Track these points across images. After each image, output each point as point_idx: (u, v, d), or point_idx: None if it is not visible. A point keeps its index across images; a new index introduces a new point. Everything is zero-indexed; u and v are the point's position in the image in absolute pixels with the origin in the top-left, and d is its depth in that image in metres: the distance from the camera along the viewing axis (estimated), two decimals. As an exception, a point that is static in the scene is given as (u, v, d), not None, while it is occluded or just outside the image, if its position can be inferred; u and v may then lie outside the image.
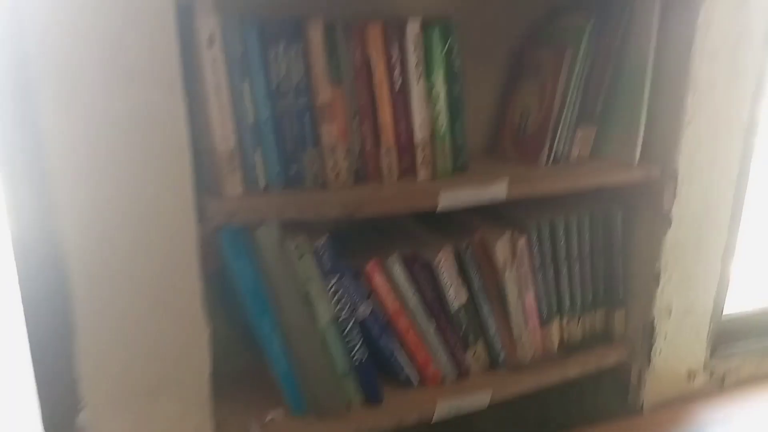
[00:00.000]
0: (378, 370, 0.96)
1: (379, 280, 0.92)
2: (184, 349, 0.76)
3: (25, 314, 0.71)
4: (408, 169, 0.94)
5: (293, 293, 0.83)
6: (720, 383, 1.21)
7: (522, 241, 1.01)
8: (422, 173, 0.94)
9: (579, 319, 1.11)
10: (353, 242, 1.00)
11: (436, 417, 0.96)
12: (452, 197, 0.86)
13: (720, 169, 1.04)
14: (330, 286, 0.86)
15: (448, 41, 0.90)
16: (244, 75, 0.80)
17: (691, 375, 1.17)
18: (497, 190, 0.89)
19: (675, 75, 0.97)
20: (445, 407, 0.97)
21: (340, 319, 0.88)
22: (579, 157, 1.03)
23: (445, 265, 0.94)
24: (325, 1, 0.91)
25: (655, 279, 1.06)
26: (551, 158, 1.02)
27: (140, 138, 0.67)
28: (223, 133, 0.78)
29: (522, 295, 1.03)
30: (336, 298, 0.87)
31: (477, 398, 0.99)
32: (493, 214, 1.06)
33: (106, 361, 0.73)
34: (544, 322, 1.08)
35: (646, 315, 1.09)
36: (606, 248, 1.08)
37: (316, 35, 0.83)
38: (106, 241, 0.69)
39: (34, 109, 0.62)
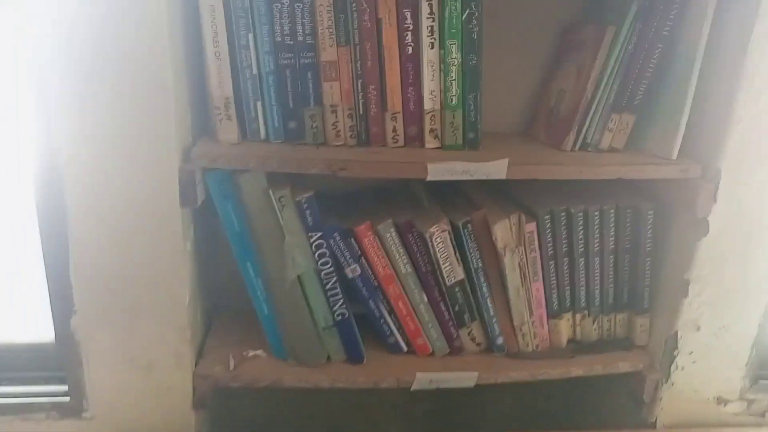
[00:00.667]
0: (367, 331, 0.98)
1: (369, 243, 0.93)
2: (163, 276, 0.83)
3: (39, 223, 0.82)
4: (415, 138, 0.93)
5: (275, 242, 0.87)
6: (761, 416, 1.08)
7: (531, 227, 0.96)
8: (430, 143, 0.93)
9: (596, 319, 1.04)
10: (355, 204, 1.01)
11: (414, 386, 0.97)
12: (442, 170, 0.84)
13: (781, 177, 0.90)
14: (312, 241, 0.89)
15: (469, 8, 0.86)
16: (248, 26, 0.83)
17: (721, 401, 1.05)
18: (494, 169, 0.85)
19: (727, 67, 0.85)
20: (424, 379, 0.97)
21: (323, 274, 0.91)
22: (611, 146, 0.95)
23: (439, 238, 0.93)
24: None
25: (684, 289, 0.96)
26: (578, 144, 0.95)
27: (126, 76, 0.73)
28: (218, 81, 0.82)
29: (527, 283, 0.98)
30: (318, 253, 0.89)
31: (461, 377, 0.98)
32: (510, 197, 1.02)
33: (94, 275, 0.82)
34: (553, 315, 1.02)
35: (670, 326, 0.99)
36: (633, 247, 1.00)
37: (324, -7, 0.83)
38: (96, 168, 0.77)
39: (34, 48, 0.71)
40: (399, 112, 0.91)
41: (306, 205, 0.87)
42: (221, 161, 0.80)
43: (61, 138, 0.75)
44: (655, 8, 0.88)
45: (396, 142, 0.92)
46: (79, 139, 0.76)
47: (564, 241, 0.98)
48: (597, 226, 0.98)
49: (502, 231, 0.94)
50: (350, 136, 0.91)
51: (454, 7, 0.86)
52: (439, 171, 0.84)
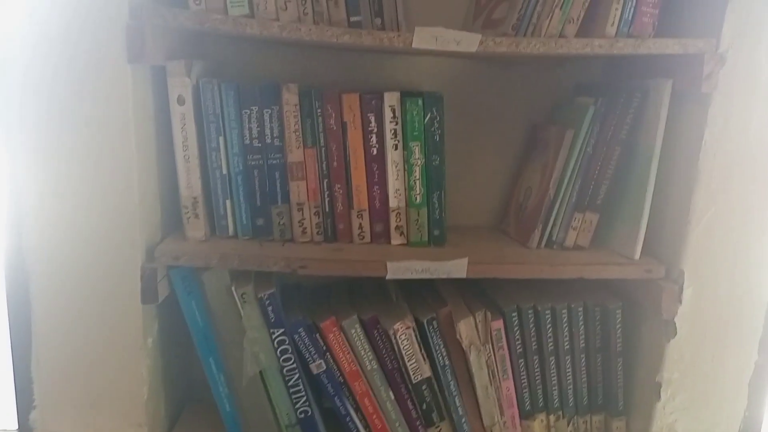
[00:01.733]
0: (335, 428, 0.96)
1: (335, 339, 0.92)
2: (122, 371, 0.83)
3: (8, 319, 0.84)
4: (381, 234, 0.95)
5: (236, 338, 0.87)
6: None
7: (498, 324, 0.95)
8: (396, 240, 0.95)
9: (571, 420, 1.01)
10: (326, 295, 1.02)
11: (379, 490, 0.93)
12: (402, 268, 0.85)
13: (747, 277, 0.90)
14: (275, 337, 0.89)
15: (431, 112, 0.90)
16: (219, 131, 0.87)
17: None
18: (454, 268, 0.86)
19: (683, 170, 0.87)
20: (390, 482, 0.93)
21: (286, 370, 0.91)
22: (576, 244, 0.96)
23: (404, 335, 0.93)
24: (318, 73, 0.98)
25: (656, 392, 0.93)
26: (543, 242, 0.96)
27: (93, 176, 0.77)
28: (187, 182, 0.86)
29: (496, 381, 0.97)
30: (281, 350, 0.90)
31: (428, 481, 0.94)
32: (480, 291, 1.02)
33: (55, 370, 0.83)
34: (526, 416, 1.00)
35: (645, 431, 0.96)
36: (604, 347, 0.98)
37: (291, 98, 0.88)
38: (62, 263, 0.79)
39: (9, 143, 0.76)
40: (365, 210, 0.93)
41: (268, 302, 0.88)
42: (184, 259, 0.82)
43: (29, 235, 0.79)
44: (612, 112, 0.91)
45: (362, 239, 0.94)
46: (45, 237, 0.79)
47: (533, 339, 0.97)
48: (566, 324, 0.97)
49: (467, 328, 0.93)
50: (317, 233, 0.93)
51: (416, 112, 0.90)
52: (398, 270, 0.85)
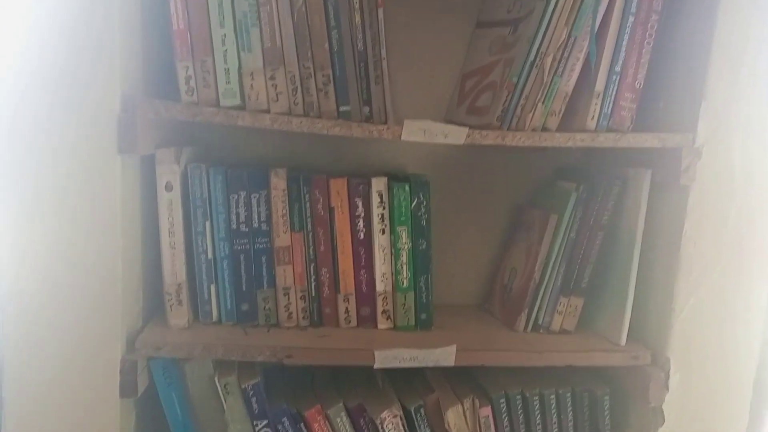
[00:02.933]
0: None
1: (319, 428, 0.90)
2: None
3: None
4: (367, 318, 0.94)
5: (218, 431, 0.84)
6: None
7: (486, 411, 0.94)
8: (382, 324, 0.94)
9: None
10: (311, 379, 0.99)
11: None
12: (390, 357, 0.84)
13: (732, 362, 0.90)
14: (258, 429, 0.86)
15: (417, 197, 0.91)
16: (206, 215, 0.87)
17: None
18: (442, 356, 0.85)
19: (665, 257, 0.88)
20: None
21: (269, 464, 0.87)
22: (562, 328, 0.96)
23: (390, 424, 0.90)
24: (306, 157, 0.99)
25: (647, 482, 0.92)
26: (529, 325, 0.96)
27: (77, 267, 0.75)
28: (172, 269, 0.85)
29: (486, 471, 0.94)
30: (264, 441, 0.86)
31: None
32: (467, 376, 1.01)
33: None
34: (515, 505, 0.97)
35: None
36: (593, 433, 0.97)
37: (279, 183, 0.89)
38: (36, 352, 0.76)
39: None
40: (351, 294, 0.93)
41: (252, 392, 0.85)
42: (166, 350, 0.80)
43: (4, 321, 0.76)
44: (593, 199, 0.93)
45: (348, 323, 0.93)
46: (21, 323, 0.76)
47: (522, 426, 0.95)
48: (554, 410, 0.96)
49: (455, 417, 0.92)
50: (302, 318, 0.92)
51: (403, 197, 0.91)
52: (386, 359, 0.84)
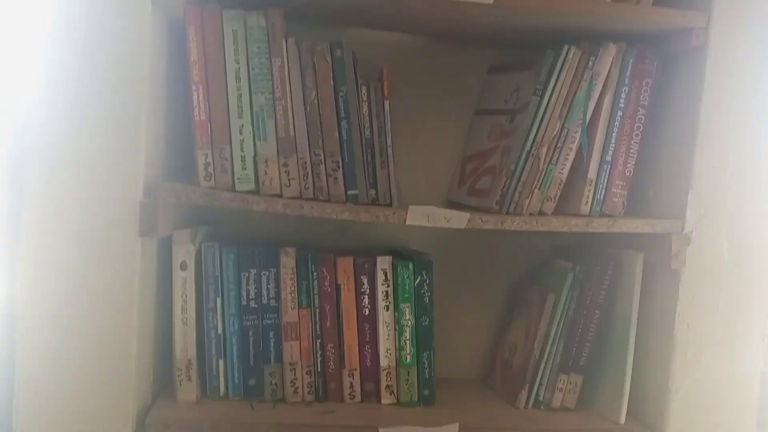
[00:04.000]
0: None
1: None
2: None
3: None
4: (371, 393, 0.96)
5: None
6: None
7: (488, 488, 0.94)
8: (386, 399, 0.96)
9: None
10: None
11: None
12: (392, 435, 0.86)
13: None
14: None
15: (421, 276, 0.95)
16: (217, 292, 0.91)
17: None
18: (444, 434, 0.87)
19: (660, 337, 0.92)
20: None
21: None
22: (563, 405, 0.98)
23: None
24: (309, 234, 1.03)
25: None
26: (530, 402, 0.98)
27: (93, 347, 0.79)
28: (183, 345, 0.88)
29: None
30: None
31: None
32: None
33: None
34: None
35: None
36: None
37: (289, 262, 0.93)
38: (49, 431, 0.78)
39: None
40: (356, 369, 0.95)
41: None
42: (175, 427, 0.82)
43: (18, 399, 0.78)
44: (589, 278, 0.97)
45: (353, 398, 0.95)
46: (36, 404, 0.78)
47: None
48: (556, 489, 0.96)
49: (457, 496, 0.92)
50: (308, 393, 0.94)
51: (406, 275, 0.95)
52: (389, 437, 0.86)
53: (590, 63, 0.89)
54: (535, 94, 0.90)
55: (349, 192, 0.90)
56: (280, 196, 0.87)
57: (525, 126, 0.90)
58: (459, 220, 0.84)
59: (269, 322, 0.93)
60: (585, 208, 0.91)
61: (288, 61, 0.87)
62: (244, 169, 0.86)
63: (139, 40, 0.78)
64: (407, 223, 0.84)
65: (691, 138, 0.89)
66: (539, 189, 0.90)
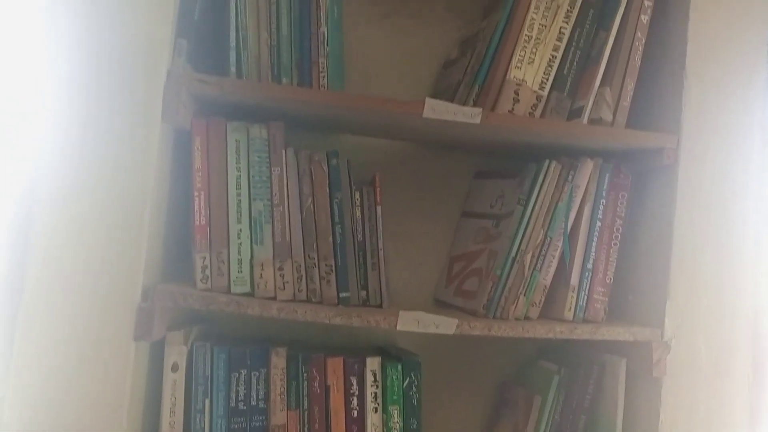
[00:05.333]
0: None
1: None
2: None
3: None
4: (358, 498, 0.95)
5: None
6: None
7: None
8: (374, 503, 0.94)
9: None
10: None
11: None
12: None
13: None
14: None
15: (409, 377, 0.97)
16: (206, 393, 0.91)
17: None
18: None
19: (644, 440, 0.93)
20: None
21: None
22: None
23: None
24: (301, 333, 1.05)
25: None
26: (518, 508, 0.97)
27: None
28: (170, 448, 0.87)
29: None
30: None
31: None
32: None
33: None
34: None
35: None
36: None
37: (279, 362, 0.94)
38: None
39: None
40: (343, 472, 0.94)
41: None
42: None
43: None
44: (574, 382, 0.99)
45: (340, 503, 0.94)
46: None
47: None
48: None
49: None
50: (294, 498, 0.93)
51: (395, 377, 0.96)
52: None
53: (570, 176, 0.95)
54: (519, 203, 0.95)
55: (341, 294, 0.92)
56: (274, 298, 0.89)
57: (510, 233, 0.95)
58: (447, 326, 0.87)
59: (257, 424, 0.93)
60: (569, 314, 0.95)
61: (287, 170, 0.91)
62: (240, 271, 0.89)
63: (148, 151, 0.82)
64: (398, 329, 0.86)
65: (667, 249, 0.94)
66: (524, 295, 0.94)
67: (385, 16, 1.14)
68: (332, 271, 0.92)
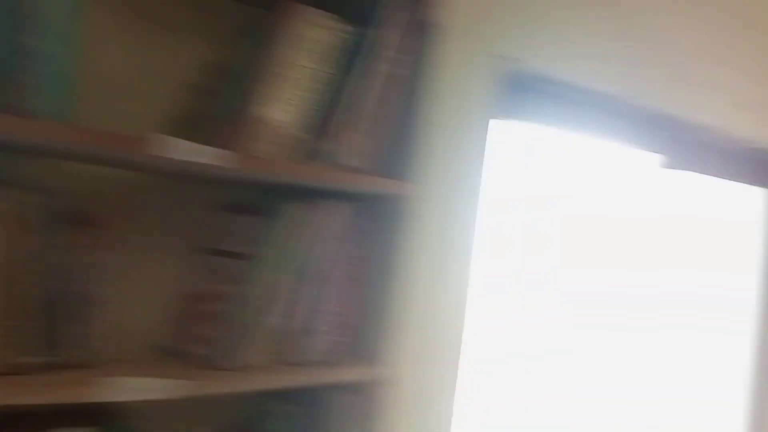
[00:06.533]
0: None
1: None
2: None
3: None
4: None
5: None
6: None
7: None
8: None
9: None
10: None
11: None
12: None
13: None
14: None
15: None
16: None
17: None
18: None
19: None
20: None
21: None
22: None
23: None
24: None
25: None
26: None
27: None
28: None
29: None
30: None
31: None
32: None
33: None
34: None
35: None
36: None
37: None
38: None
39: None
40: None
41: None
42: None
43: None
44: (310, 423, 0.96)
45: None
46: None
47: None
48: None
49: None
50: None
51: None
52: None
53: (313, 218, 0.92)
54: (261, 243, 0.90)
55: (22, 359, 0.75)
56: None
57: (249, 274, 0.89)
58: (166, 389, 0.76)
59: None
60: (306, 357, 0.92)
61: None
62: None
63: None
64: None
65: (391, 290, 0.97)
66: (259, 339, 0.88)
67: (130, 32, 0.97)
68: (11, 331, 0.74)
